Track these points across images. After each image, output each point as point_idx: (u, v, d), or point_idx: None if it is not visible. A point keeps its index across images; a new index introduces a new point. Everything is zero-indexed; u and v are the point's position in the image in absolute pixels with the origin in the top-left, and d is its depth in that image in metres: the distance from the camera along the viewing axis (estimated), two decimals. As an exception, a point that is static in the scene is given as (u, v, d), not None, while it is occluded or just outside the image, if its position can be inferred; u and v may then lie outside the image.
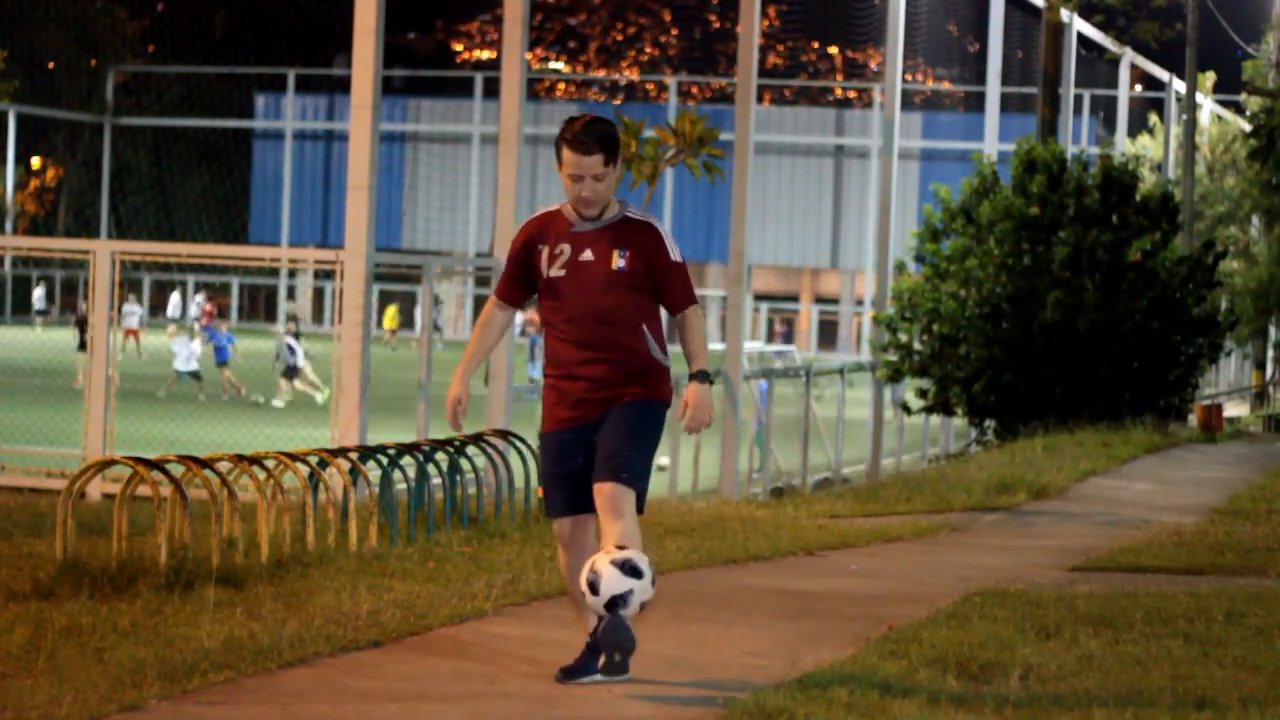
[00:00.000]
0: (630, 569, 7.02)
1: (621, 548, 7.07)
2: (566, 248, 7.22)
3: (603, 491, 7.16)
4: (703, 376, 7.20)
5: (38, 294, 62.99)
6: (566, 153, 7.13)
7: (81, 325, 40.93)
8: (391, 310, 57.38)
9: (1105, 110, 62.38)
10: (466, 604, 9.25)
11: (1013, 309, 27.92)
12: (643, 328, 7.28)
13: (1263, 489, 18.95)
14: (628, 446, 7.19)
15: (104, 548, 10.38)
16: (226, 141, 77.86)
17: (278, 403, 34.65)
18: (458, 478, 12.76)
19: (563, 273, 7.21)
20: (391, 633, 8.42)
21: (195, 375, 36.26)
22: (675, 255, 7.29)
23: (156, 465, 10.46)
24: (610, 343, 7.23)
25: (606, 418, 7.25)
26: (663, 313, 7.44)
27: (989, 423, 28.92)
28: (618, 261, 7.18)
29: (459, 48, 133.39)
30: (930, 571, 11.82)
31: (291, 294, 71.77)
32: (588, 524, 7.42)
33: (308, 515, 11.40)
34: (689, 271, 7.38)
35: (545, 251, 7.26)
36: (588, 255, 7.19)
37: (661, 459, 22.34)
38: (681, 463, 24.26)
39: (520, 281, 7.39)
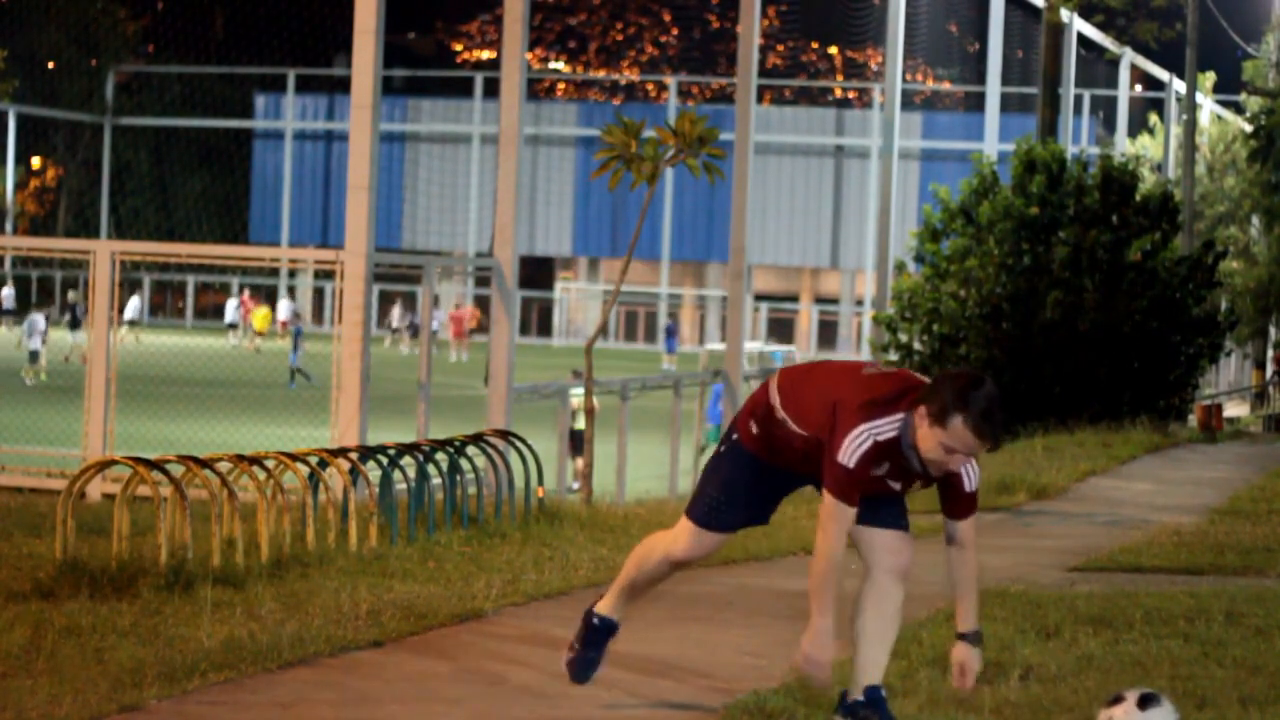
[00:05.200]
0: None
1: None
2: (885, 467, 6.52)
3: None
4: (973, 636, 6.68)
5: (6, 292, 62.79)
6: (963, 430, 6.30)
7: (73, 311, 41.11)
8: (263, 312, 57.01)
9: (1105, 110, 62.37)
10: (466, 604, 9.25)
11: (1013, 309, 27.92)
12: None
13: (1263, 489, 18.94)
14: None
15: (104, 548, 10.38)
16: (226, 141, 77.87)
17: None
18: (458, 478, 12.76)
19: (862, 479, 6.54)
20: (391, 633, 8.42)
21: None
22: (971, 486, 6.66)
23: (156, 465, 10.46)
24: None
25: None
26: None
27: (989, 423, 28.87)
28: (915, 488, 6.70)
29: (459, 48, 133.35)
30: (930, 571, 11.79)
31: (292, 293, 71.74)
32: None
33: (308, 515, 11.40)
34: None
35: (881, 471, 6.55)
36: (896, 485, 6.63)
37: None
38: (681, 463, 24.25)
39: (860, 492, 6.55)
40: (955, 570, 6.74)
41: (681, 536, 6.90)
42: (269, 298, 67.34)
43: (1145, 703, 6.29)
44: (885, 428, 6.42)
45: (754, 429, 6.72)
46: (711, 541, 6.87)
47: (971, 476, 6.58)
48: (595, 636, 7.11)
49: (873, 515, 6.66)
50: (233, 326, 56.86)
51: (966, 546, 6.69)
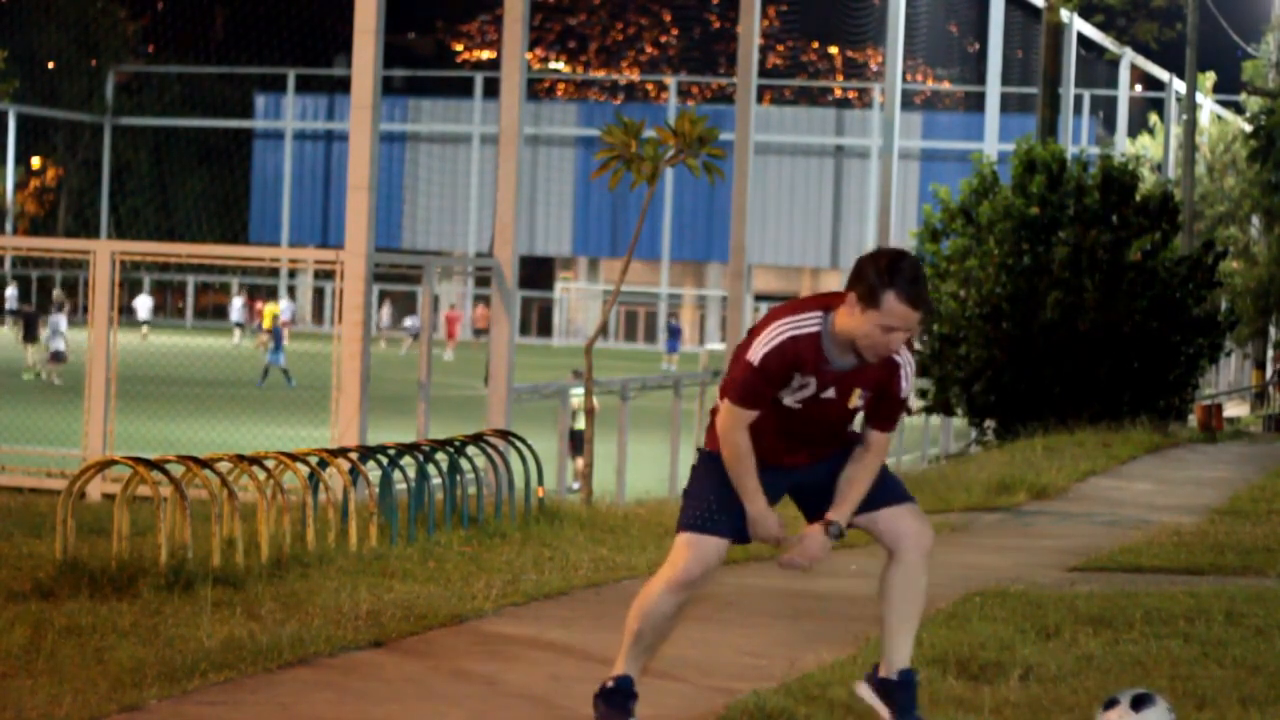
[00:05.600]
0: None
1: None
2: (812, 382, 6.38)
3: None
4: (834, 527, 6.53)
5: (9, 293, 62.94)
6: (896, 303, 6.18)
7: (27, 319, 41.18)
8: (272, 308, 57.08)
9: (1105, 110, 62.41)
10: (466, 604, 9.25)
11: (1013, 309, 27.92)
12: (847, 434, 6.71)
13: (1263, 489, 18.95)
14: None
15: (104, 548, 10.37)
16: (226, 141, 77.90)
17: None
18: (458, 478, 12.76)
19: (798, 406, 6.43)
20: (391, 633, 8.42)
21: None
22: (907, 388, 6.55)
23: (156, 465, 10.45)
24: (814, 449, 6.64)
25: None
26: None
27: (989, 423, 28.92)
28: (856, 401, 6.47)
29: (459, 48, 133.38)
30: (930, 572, 11.81)
31: (292, 293, 71.75)
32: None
33: (308, 515, 11.39)
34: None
35: (796, 379, 6.40)
36: (830, 394, 6.41)
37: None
38: (681, 463, 24.24)
39: (768, 399, 6.43)
40: (853, 468, 6.55)
41: (679, 555, 6.52)
42: (269, 297, 67.34)
43: (1139, 704, 6.30)
44: (803, 323, 6.32)
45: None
46: (711, 549, 6.51)
47: (907, 377, 6.45)
48: (615, 700, 6.57)
49: (879, 497, 6.59)
50: (239, 326, 56.96)
51: (874, 451, 6.55)
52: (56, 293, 52.58)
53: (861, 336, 6.24)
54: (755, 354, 6.32)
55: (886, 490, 6.63)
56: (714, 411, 6.60)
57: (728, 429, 6.43)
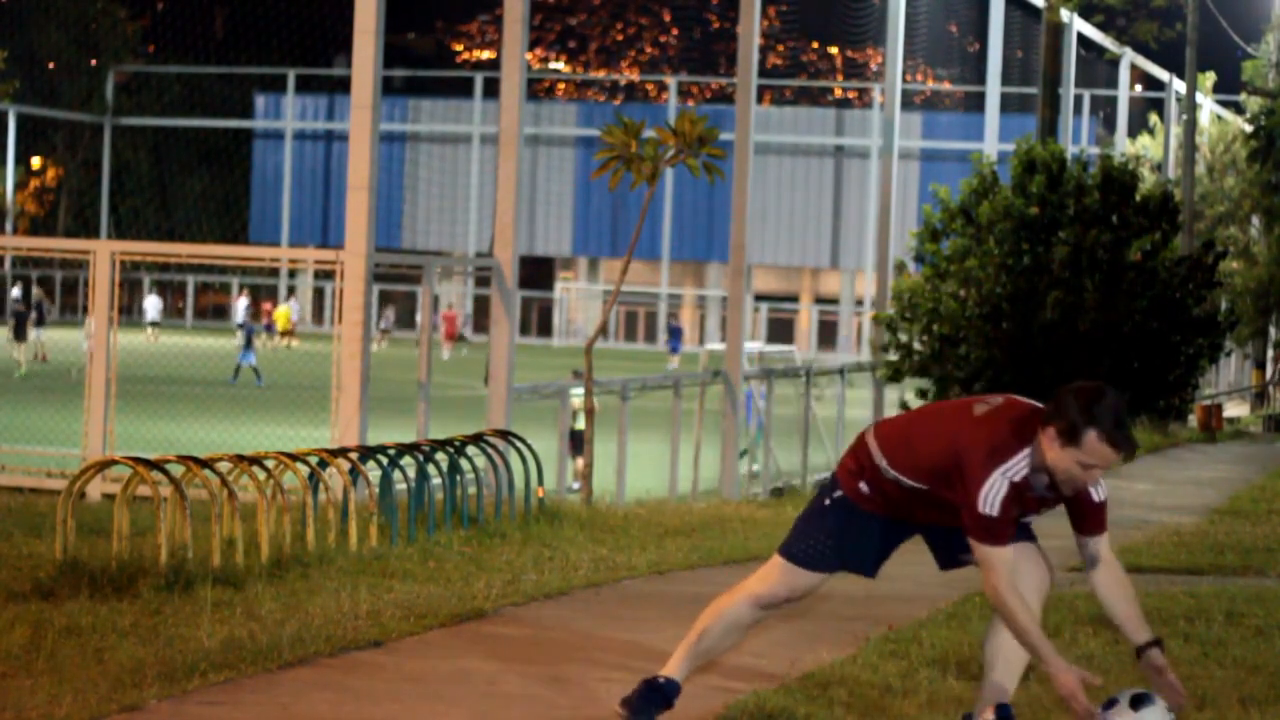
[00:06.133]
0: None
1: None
2: (1022, 503, 6.47)
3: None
4: (1159, 644, 6.61)
5: (14, 293, 62.95)
6: (1098, 444, 6.23)
7: (18, 318, 41.31)
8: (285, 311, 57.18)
9: (1105, 110, 62.41)
10: (466, 604, 9.25)
11: (1013, 309, 27.92)
12: None
13: (1263, 489, 18.96)
14: None
15: (104, 548, 10.37)
16: (226, 141, 77.88)
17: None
18: (458, 478, 12.76)
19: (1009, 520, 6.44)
20: (391, 633, 8.42)
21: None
22: (1099, 499, 6.63)
23: (156, 465, 10.45)
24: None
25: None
26: None
27: (989, 423, 28.87)
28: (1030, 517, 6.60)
29: (459, 48, 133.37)
30: (930, 571, 11.80)
31: (292, 293, 71.75)
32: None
33: (308, 515, 11.39)
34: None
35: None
36: (1030, 519, 6.65)
37: None
38: (681, 463, 24.24)
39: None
40: (1111, 589, 6.72)
41: (773, 573, 6.58)
42: (269, 297, 67.36)
43: (1138, 703, 6.30)
44: (1016, 467, 6.33)
45: (864, 489, 6.53)
46: (804, 582, 6.58)
47: (1100, 487, 6.50)
48: (653, 699, 6.59)
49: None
50: (241, 327, 57.05)
51: (1113, 564, 6.71)
52: (36, 292, 52.73)
53: (1060, 471, 6.30)
54: (991, 505, 6.30)
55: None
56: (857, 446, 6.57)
57: (1007, 590, 6.39)
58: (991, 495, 6.29)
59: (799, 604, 6.71)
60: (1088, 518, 6.56)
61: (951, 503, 6.39)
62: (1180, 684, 6.52)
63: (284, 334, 54.97)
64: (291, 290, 72.37)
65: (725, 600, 6.63)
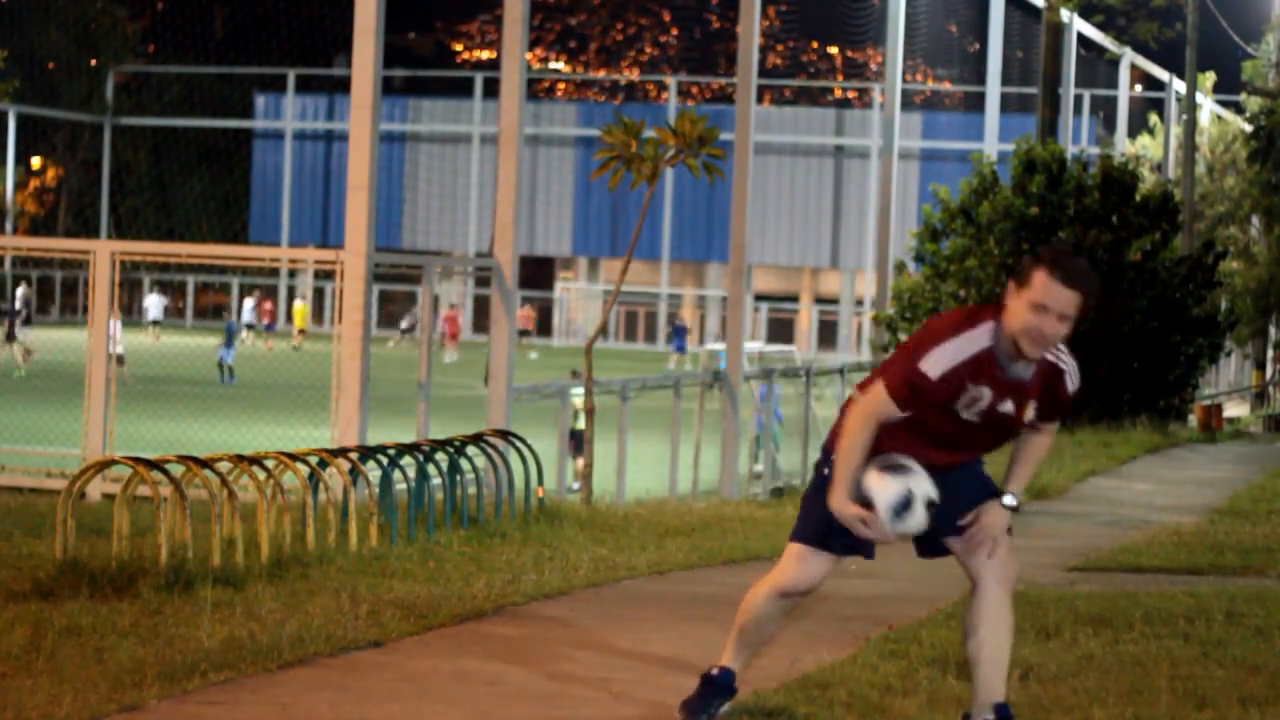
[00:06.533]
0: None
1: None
2: (986, 392, 6.28)
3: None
4: (1009, 497, 6.51)
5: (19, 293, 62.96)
6: (1046, 279, 6.08)
7: (10, 318, 41.48)
8: (302, 309, 57.20)
9: (1105, 110, 62.38)
10: (466, 604, 9.25)
11: (1013, 309, 27.93)
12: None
13: (1263, 489, 18.96)
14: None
15: (104, 548, 10.37)
16: (226, 141, 77.87)
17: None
18: (458, 478, 12.76)
19: (975, 419, 6.34)
20: (391, 633, 8.42)
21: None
22: (1074, 387, 6.43)
23: (156, 465, 10.45)
24: (971, 454, 6.58)
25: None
26: None
27: (989, 423, 28.91)
28: (1029, 414, 6.41)
29: (459, 48, 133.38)
30: (930, 571, 11.79)
31: (291, 293, 71.77)
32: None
33: (308, 515, 11.39)
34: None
35: (970, 389, 6.28)
36: (1008, 407, 6.34)
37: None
38: (681, 463, 24.23)
39: (928, 402, 6.31)
40: (1025, 446, 6.55)
41: (789, 563, 6.62)
42: (268, 297, 67.35)
43: (887, 466, 6.28)
44: (977, 335, 6.20)
45: None
46: (820, 565, 6.55)
47: (1073, 379, 6.35)
48: (711, 690, 6.70)
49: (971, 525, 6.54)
50: (250, 328, 57.05)
51: (1045, 434, 6.55)
52: (24, 290, 52.77)
53: (1018, 324, 6.13)
54: (933, 367, 6.19)
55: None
56: (844, 410, 6.49)
57: (864, 418, 6.31)
58: (942, 358, 6.20)
59: (818, 588, 6.67)
60: (1053, 407, 6.43)
61: (939, 429, 6.34)
62: (988, 533, 6.44)
63: (300, 332, 55.04)
64: (290, 290, 72.37)
65: (752, 595, 6.73)
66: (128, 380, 37.07)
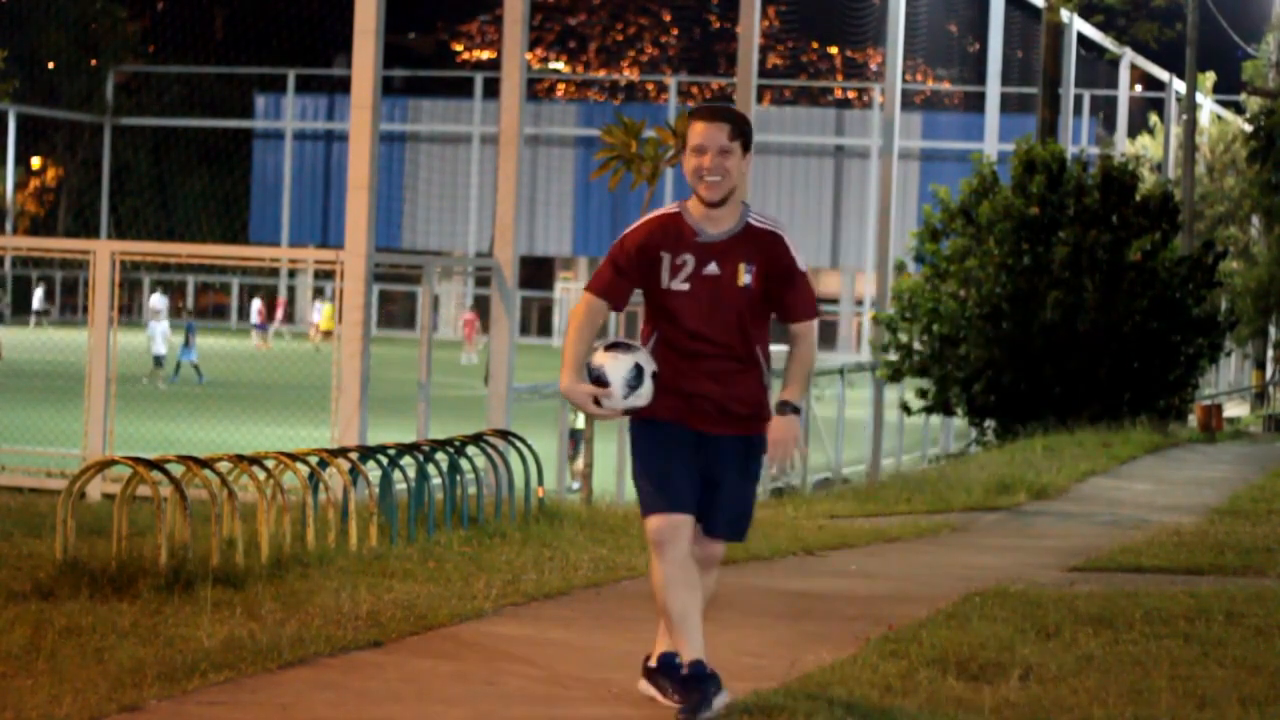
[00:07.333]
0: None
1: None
2: (690, 259, 6.67)
3: (716, 547, 6.91)
4: (793, 409, 6.68)
5: (38, 294, 63.08)
6: (692, 125, 6.66)
7: None
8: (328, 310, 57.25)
9: (1105, 110, 62.38)
10: (466, 604, 9.24)
11: (1012, 309, 27.92)
12: (758, 353, 6.80)
13: (1263, 489, 18.96)
14: (749, 504, 6.90)
15: (104, 548, 10.37)
16: (226, 142, 77.87)
17: None
18: (458, 478, 12.76)
19: (685, 287, 6.67)
20: (391, 633, 8.41)
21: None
22: (801, 264, 6.82)
23: (156, 465, 10.45)
24: (731, 361, 6.75)
25: (726, 454, 6.79)
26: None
27: (989, 423, 28.93)
28: (744, 277, 6.69)
29: (459, 48, 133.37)
30: (930, 571, 11.83)
31: (291, 293, 71.75)
32: (691, 525, 6.81)
33: (308, 515, 11.39)
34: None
35: (668, 260, 6.69)
36: (712, 268, 6.68)
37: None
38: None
39: (630, 286, 6.78)
40: (790, 365, 6.84)
41: (648, 527, 6.79)
42: (267, 300, 67.35)
43: (612, 345, 6.71)
44: (666, 209, 6.79)
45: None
46: (671, 522, 6.67)
47: (792, 245, 6.80)
48: (691, 686, 6.71)
49: (703, 518, 6.80)
50: (259, 329, 57.13)
51: (802, 338, 6.83)
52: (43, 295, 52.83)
53: (689, 173, 6.67)
54: (629, 236, 6.77)
55: (712, 520, 6.82)
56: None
57: (584, 304, 6.79)
58: (633, 228, 6.80)
59: (687, 540, 6.76)
60: (789, 297, 6.77)
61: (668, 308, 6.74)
62: (781, 450, 6.68)
63: (325, 334, 55.02)
64: (290, 290, 72.36)
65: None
66: (161, 384, 37.22)
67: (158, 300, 55.44)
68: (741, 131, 6.69)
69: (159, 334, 39.09)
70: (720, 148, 6.63)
